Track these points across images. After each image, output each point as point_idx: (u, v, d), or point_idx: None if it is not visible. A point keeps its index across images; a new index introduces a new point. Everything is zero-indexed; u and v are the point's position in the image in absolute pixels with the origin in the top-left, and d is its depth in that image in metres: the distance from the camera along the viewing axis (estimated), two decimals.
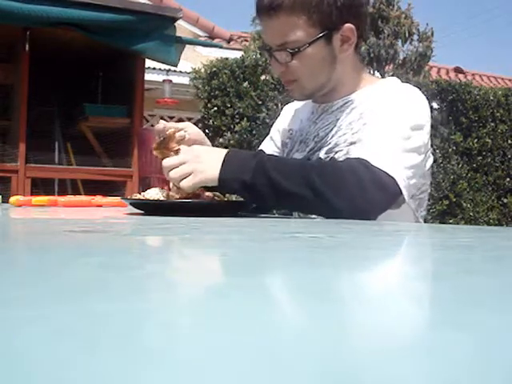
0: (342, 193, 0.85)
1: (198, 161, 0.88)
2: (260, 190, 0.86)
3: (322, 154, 1.03)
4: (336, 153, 1.01)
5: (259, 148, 1.21)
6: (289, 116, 1.22)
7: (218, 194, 0.96)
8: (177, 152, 0.89)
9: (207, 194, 0.94)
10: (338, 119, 1.04)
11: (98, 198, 1.22)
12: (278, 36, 0.99)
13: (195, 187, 0.89)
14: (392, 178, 0.88)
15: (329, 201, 0.84)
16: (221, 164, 0.87)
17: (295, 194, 0.85)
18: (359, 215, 0.84)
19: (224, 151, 0.90)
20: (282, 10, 0.96)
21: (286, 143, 1.19)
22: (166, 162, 0.88)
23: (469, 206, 4.59)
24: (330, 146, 1.03)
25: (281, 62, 1.01)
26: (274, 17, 0.97)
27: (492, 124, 4.75)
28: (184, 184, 0.87)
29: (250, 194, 0.89)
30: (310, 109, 1.14)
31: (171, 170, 0.87)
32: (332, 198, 0.84)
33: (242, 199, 0.98)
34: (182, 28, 5.25)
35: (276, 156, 0.94)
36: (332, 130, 1.04)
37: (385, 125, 0.95)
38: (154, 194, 0.92)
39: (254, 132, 4.03)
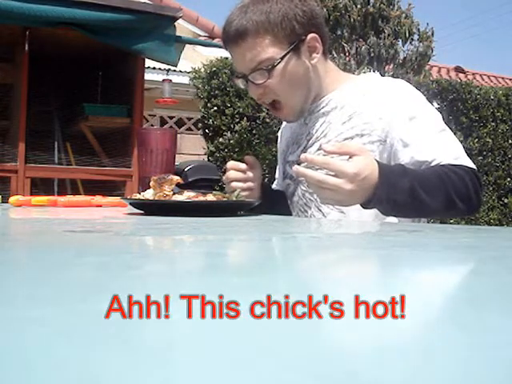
0: (469, 200, 0.94)
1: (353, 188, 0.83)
2: (405, 206, 0.90)
3: (313, 150, 1.09)
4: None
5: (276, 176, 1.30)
6: (283, 135, 1.29)
7: (218, 193, 0.96)
8: (165, 197, 0.90)
9: (209, 195, 0.94)
10: (326, 116, 1.09)
11: (98, 198, 1.22)
12: (249, 59, 1.04)
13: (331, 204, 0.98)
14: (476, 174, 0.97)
15: (459, 208, 0.94)
16: (372, 191, 0.86)
17: (436, 210, 0.95)
18: (472, 213, 0.99)
19: (375, 179, 0.85)
20: (248, 35, 1.02)
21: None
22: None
23: None
24: (321, 141, 1.08)
25: (257, 83, 1.04)
26: (242, 43, 1.03)
27: (492, 124, 4.75)
28: (324, 197, 0.87)
29: (395, 210, 0.93)
30: None
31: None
32: (461, 207, 0.94)
33: (241, 199, 0.98)
34: (182, 27, 5.24)
35: (417, 171, 0.94)
36: (322, 125, 1.09)
37: (427, 123, 1.00)
38: (152, 194, 0.92)
39: (254, 132, 4.03)
